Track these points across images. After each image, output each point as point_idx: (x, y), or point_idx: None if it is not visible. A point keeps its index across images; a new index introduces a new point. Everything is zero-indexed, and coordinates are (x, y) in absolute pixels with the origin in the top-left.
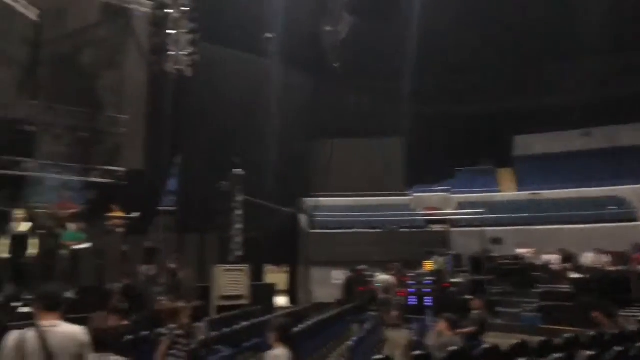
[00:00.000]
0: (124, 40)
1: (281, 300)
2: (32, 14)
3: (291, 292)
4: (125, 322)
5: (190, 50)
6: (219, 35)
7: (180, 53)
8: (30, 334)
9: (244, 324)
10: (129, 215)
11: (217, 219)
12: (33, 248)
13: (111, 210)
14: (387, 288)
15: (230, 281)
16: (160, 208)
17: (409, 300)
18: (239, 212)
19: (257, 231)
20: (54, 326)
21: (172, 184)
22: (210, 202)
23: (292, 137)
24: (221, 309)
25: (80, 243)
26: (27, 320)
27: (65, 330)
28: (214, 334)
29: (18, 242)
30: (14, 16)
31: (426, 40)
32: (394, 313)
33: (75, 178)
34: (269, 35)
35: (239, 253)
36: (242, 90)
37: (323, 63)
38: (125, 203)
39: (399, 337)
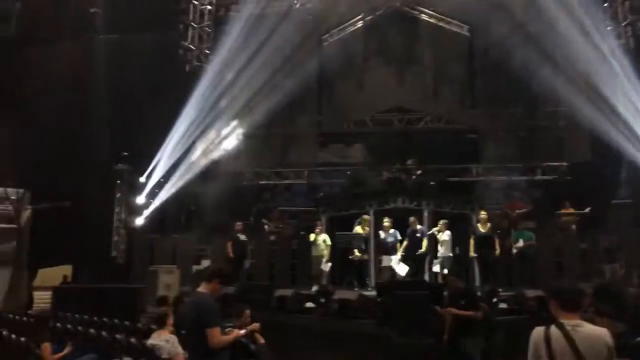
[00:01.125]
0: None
1: None
2: (463, 30)
3: None
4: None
5: None
6: None
7: None
8: (554, 331)
9: None
10: (580, 212)
11: None
12: (496, 247)
13: (562, 207)
14: None
15: None
16: (615, 201)
17: None
18: None
19: None
20: (578, 326)
21: (626, 173)
22: None
23: None
24: None
25: (529, 242)
26: (502, 316)
27: (591, 331)
28: None
29: (482, 242)
30: (450, 36)
31: None
32: None
33: (520, 178)
34: None
35: None
36: None
37: None
38: (574, 198)
39: None
